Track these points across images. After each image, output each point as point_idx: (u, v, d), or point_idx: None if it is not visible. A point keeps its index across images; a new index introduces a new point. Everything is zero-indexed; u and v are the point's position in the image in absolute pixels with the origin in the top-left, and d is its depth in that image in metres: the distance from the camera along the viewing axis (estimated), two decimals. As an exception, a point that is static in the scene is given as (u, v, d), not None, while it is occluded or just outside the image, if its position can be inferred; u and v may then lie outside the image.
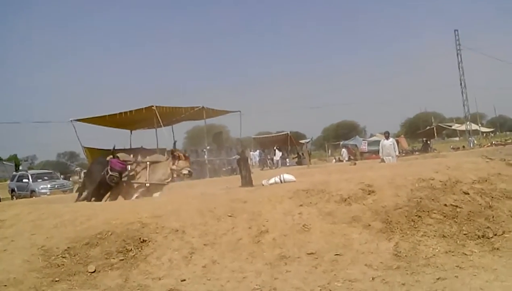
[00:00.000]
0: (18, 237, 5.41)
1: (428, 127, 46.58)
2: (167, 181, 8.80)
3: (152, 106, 19.37)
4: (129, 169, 8.87)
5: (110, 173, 8.53)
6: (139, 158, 9.22)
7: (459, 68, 39.34)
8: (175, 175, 8.70)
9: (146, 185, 8.69)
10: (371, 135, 48.98)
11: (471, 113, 40.65)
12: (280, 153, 31.92)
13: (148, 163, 8.96)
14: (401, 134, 46.20)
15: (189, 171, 8.48)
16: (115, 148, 9.46)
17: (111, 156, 8.87)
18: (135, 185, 8.77)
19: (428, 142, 40.23)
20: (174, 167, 8.57)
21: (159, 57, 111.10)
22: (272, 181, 8.06)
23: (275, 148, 32.24)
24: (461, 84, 39.42)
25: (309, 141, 42.01)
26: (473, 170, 6.12)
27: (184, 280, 4.23)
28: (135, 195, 8.58)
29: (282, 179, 8.11)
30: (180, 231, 4.96)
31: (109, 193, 8.72)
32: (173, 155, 8.75)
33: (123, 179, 8.69)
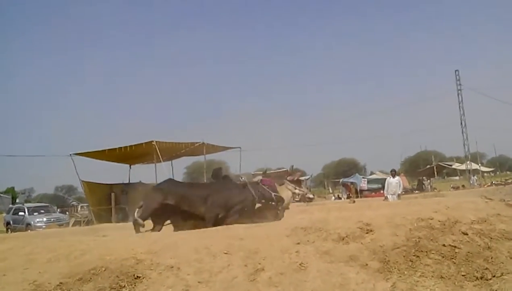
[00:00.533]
0: (10, 271, 5.32)
1: (428, 166, 46.71)
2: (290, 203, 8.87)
3: (152, 141, 19.53)
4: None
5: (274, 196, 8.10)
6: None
7: (459, 108, 39.93)
8: (297, 198, 8.97)
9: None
10: (371, 173, 49.03)
11: (471, 152, 40.87)
12: None
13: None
14: (401, 173, 46.20)
15: (313, 195, 8.85)
16: None
17: (260, 178, 8.41)
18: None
19: (424, 181, 40.20)
20: (297, 191, 8.71)
21: (157, 90, 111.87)
22: None
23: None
24: (461, 123, 39.89)
25: (308, 178, 41.96)
26: (472, 210, 6.08)
27: (177, 318, 4.14)
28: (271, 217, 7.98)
29: None
30: (175, 267, 4.88)
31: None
32: (297, 179, 8.98)
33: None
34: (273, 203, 8.17)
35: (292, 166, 9.83)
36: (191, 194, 7.72)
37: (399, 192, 15.07)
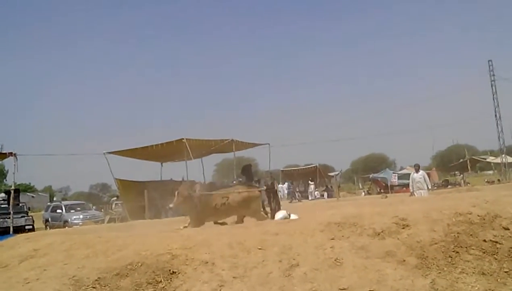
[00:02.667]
0: (51, 266, 5.48)
1: (461, 160, 45.43)
2: None
3: (183, 139, 19.68)
4: None
5: None
6: None
7: (493, 99, 38.62)
8: None
9: None
10: (401, 168, 48.15)
11: (506, 145, 39.55)
12: (313, 184, 32.00)
13: None
14: (433, 167, 45.13)
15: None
16: None
17: None
18: None
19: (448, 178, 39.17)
20: None
21: (185, 86, 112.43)
22: (280, 216, 8.17)
23: (309, 180, 32.35)
24: (495, 115, 38.60)
25: (338, 173, 41.57)
26: (512, 204, 5.86)
27: (214, 313, 4.17)
28: None
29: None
30: (209, 263, 4.92)
31: None
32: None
33: None
34: None
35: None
36: None
37: (429, 187, 14.62)
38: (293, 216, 8.24)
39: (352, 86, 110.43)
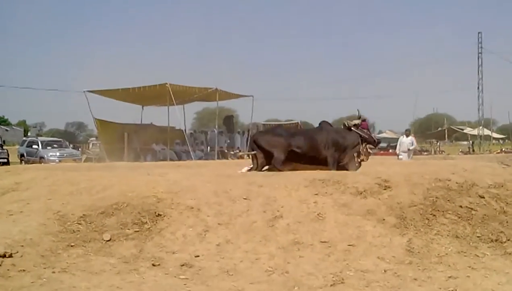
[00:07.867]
0: (34, 200, 5.49)
1: (439, 129, 46.26)
2: None
3: (166, 83, 19.42)
4: None
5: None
6: None
7: (478, 72, 38.96)
8: None
9: None
10: (380, 132, 48.85)
11: (484, 118, 40.36)
12: None
13: None
14: (412, 133, 45.91)
15: None
16: None
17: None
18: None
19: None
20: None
21: (174, 34, 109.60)
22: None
23: None
24: (478, 88, 39.07)
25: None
26: (489, 174, 6.10)
27: (198, 256, 4.29)
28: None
29: None
30: (195, 208, 5.01)
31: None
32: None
33: None
34: (370, 149, 8.13)
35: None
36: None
37: (410, 148, 15.05)
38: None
39: (342, 47, 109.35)
